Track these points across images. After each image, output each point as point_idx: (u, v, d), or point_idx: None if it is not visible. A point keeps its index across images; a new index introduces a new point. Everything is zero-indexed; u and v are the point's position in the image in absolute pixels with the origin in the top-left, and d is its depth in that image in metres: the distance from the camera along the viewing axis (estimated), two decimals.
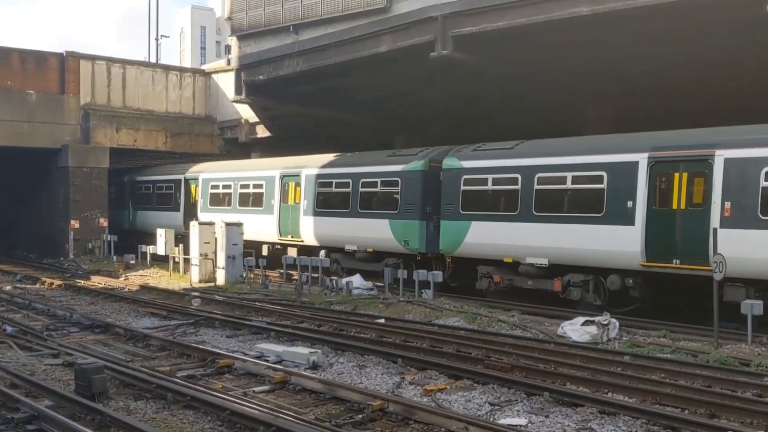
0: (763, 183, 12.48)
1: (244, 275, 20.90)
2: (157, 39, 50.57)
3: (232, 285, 20.06)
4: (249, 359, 10.81)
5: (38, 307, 16.24)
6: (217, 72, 31.56)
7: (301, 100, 25.10)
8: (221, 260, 20.70)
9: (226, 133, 30.78)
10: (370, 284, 18.80)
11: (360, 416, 8.21)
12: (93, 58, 28.64)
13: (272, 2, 22.43)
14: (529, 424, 8.09)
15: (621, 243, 14.06)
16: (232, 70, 26.72)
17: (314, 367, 10.66)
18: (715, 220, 12.78)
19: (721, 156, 12.94)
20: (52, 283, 20.69)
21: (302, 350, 11.22)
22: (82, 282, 21.09)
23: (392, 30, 19.11)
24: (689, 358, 11.08)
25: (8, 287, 20.00)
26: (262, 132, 28.78)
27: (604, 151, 14.80)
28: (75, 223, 26.99)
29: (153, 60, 48.82)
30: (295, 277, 20.08)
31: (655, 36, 16.25)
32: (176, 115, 30.27)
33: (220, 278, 20.63)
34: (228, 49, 40.21)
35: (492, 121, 25.80)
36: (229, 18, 24.46)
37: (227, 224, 21.13)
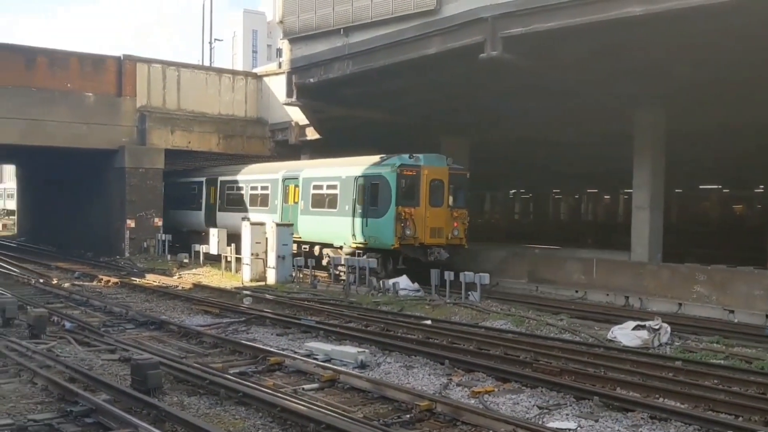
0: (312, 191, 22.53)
1: (294, 275, 21.14)
2: (210, 43, 51.53)
3: (281, 284, 20.31)
4: (298, 357, 10.95)
5: (95, 304, 16.71)
6: (268, 75, 31.95)
7: (350, 102, 25.24)
8: (272, 260, 20.98)
9: (277, 135, 31.12)
10: (416, 285, 18.83)
11: (408, 416, 8.25)
12: (149, 61, 29.20)
13: (323, 5, 22.61)
14: (579, 428, 8.02)
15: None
16: (283, 73, 27.02)
17: (362, 366, 10.75)
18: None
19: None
20: (108, 281, 21.25)
21: (350, 349, 11.31)
22: (138, 280, 21.62)
23: (442, 32, 19.07)
24: (743, 365, 10.84)
25: (67, 284, 20.62)
26: (311, 134, 29.03)
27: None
28: (131, 223, 27.59)
29: (206, 63, 49.73)
30: (343, 278, 20.22)
31: (709, 37, 15.91)
32: (229, 118, 30.72)
33: (271, 277, 20.90)
34: (279, 52, 40.69)
35: (535, 122, 25.59)
36: (281, 21, 24.73)
37: (278, 224, 21.41)
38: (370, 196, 20.78)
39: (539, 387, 9.61)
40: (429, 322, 14.56)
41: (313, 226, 22.80)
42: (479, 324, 14.39)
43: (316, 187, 23.01)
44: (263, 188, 25.78)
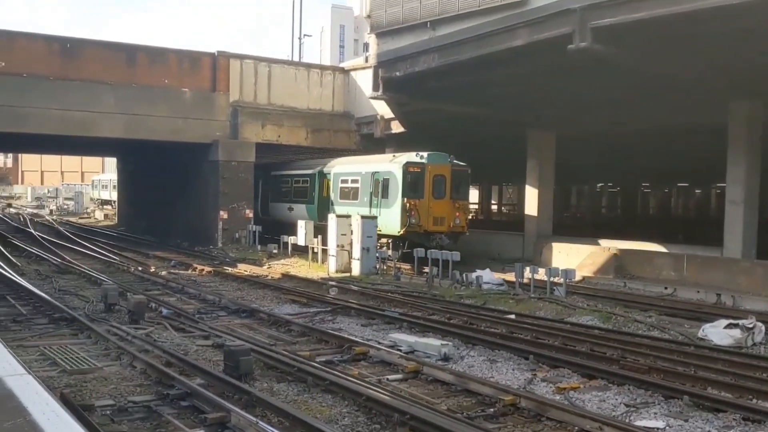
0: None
1: (378, 267, 21.31)
2: (300, 38, 52.39)
3: (366, 276, 20.52)
4: (383, 348, 11.04)
5: (190, 291, 17.33)
6: (355, 69, 32.22)
7: (435, 95, 25.18)
8: (356, 252, 21.22)
9: (363, 129, 31.37)
10: (500, 279, 18.66)
11: (491, 410, 8.20)
12: (241, 57, 29.84)
13: None
14: (667, 428, 7.78)
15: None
16: (369, 67, 27.20)
17: (445, 358, 10.74)
18: None
19: None
20: (202, 270, 22.01)
21: (434, 342, 11.33)
22: (230, 269, 22.27)
23: (529, 23, 18.75)
24: None
25: (164, 272, 21.46)
26: (396, 128, 29.13)
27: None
28: (223, 214, 28.41)
29: (296, 59, 50.61)
30: (426, 270, 20.25)
31: None
32: (317, 112, 31.15)
33: (355, 269, 21.14)
34: (366, 46, 40.95)
35: (623, 114, 24.85)
36: (369, 16, 24.89)
37: (363, 217, 21.63)
38: (382, 189, 23.71)
39: (626, 385, 9.37)
40: (513, 316, 14.41)
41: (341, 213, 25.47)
42: (564, 320, 14.13)
43: (343, 181, 26.28)
44: (304, 181, 29.24)
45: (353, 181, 25.70)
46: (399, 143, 30.24)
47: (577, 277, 18.88)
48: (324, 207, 26.96)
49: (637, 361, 10.48)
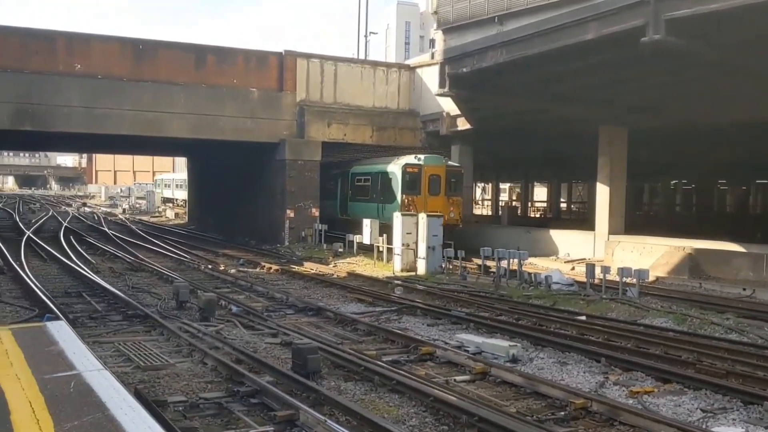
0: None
1: (443, 266, 21.26)
2: (366, 36, 52.62)
3: (431, 275, 20.50)
4: (449, 348, 11.02)
5: (258, 289, 17.67)
6: (421, 66, 32.21)
7: (503, 91, 24.94)
8: (422, 251, 21.21)
9: (428, 127, 31.34)
10: (570, 279, 18.36)
11: (562, 413, 8.08)
12: (308, 56, 30.13)
13: None
14: None
15: None
16: (436, 63, 27.12)
17: (514, 360, 10.64)
18: None
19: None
20: (270, 268, 22.40)
21: (502, 343, 11.23)
22: (296, 268, 22.62)
23: (600, 16, 18.35)
24: None
25: (233, 270, 21.93)
26: (462, 125, 29.00)
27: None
28: (290, 213, 28.83)
29: (362, 57, 50.91)
30: (493, 270, 20.10)
31: None
32: (382, 110, 31.25)
33: (421, 268, 21.14)
34: (432, 43, 40.90)
35: (698, 109, 24.06)
36: (435, 12, 24.82)
37: (428, 215, 21.61)
38: (386, 187, 27.40)
39: (703, 389, 9.10)
40: (584, 317, 14.16)
41: (356, 209, 29.61)
42: (637, 321, 13.81)
43: (358, 180, 29.66)
44: (331, 181, 31.60)
45: (365, 180, 29.15)
46: (465, 140, 30.11)
47: (651, 278, 18.39)
48: (345, 202, 30.38)
49: (714, 365, 10.16)
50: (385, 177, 27.53)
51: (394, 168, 27.09)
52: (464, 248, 22.38)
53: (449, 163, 27.81)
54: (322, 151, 29.59)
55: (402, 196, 26.43)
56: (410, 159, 27.19)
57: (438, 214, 22.85)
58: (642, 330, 12.86)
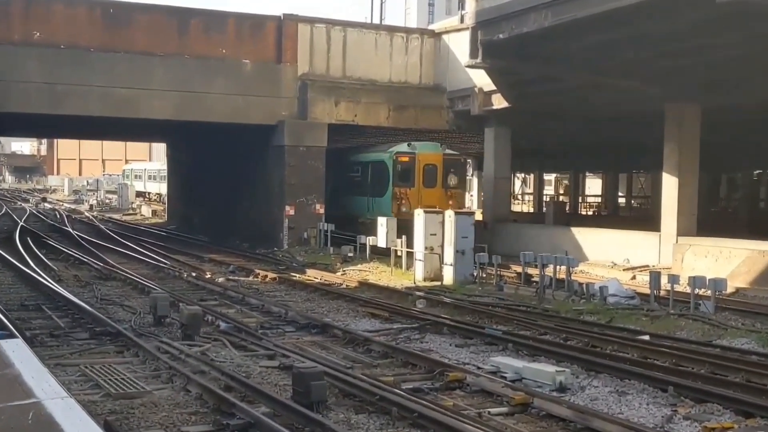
0: None
1: (475, 274, 21.25)
2: None
3: (461, 285, 20.49)
4: (483, 374, 11.00)
5: (252, 302, 17.72)
6: (448, 32, 32.12)
7: (547, 62, 24.84)
8: (449, 255, 21.21)
9: (457, 105, 31.31)
10: (630, 291, 18.28)
11: None
12: (312, 21, 30.12)
13: None
14: None
15: None
16: (466, 28, 27.00)
17: (561, 389, 10.60)
18: None
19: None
20: (265, 276, 22.49)
21: (546, 368, 11.19)
22: (297, 276, 22.73)
23: None
24: None
25: (221, 279, 22.04)
26: (498, 102, 28.94)
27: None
28: (290, 210, 28.94)
29: (376, 21, 50.90)
30: (535, 279, 20.05)
31: None
32: (400, 85, 31.19)
33: (448, 276, 21.15)
34: (461, 3, 40.80)
35: None
36: None
37: (456, 213, 21.59)
38: (376, 179, 29.22)
39: None
40: (647, 337, 14.08)
41: (347, 204, 31.37)
42: (713, 342, 13.72)
43: (349, 171, 31.08)
44: (357, 170, 32.88)
45: (356, 171, 30.95)
46: (501, 121, 30.05)
47: (729, 289, 18.25)
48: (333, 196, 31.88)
49: None
50: (375, 167, 29.37)
51: (384, 157, 28.89)
52: (500, 253, 22.34)
53: (447, 150, 29.76)
54: (329, 135, 29.69)
55: (393, 189, 28.29)
56: (402, 146, 29.10)
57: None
58: (718, 353, 12.77)
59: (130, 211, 59.12)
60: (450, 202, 28.32)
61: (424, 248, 21.70)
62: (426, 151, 29.01)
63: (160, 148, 79.88)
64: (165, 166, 53.40)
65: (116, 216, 53.28)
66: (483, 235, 24.75)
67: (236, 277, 22.82)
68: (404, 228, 24.80)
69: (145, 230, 40.22)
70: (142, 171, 75.67)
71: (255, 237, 31.03)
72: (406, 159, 28.59)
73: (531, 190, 64.24)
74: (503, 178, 31.29)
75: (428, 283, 21.08)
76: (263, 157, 30.61)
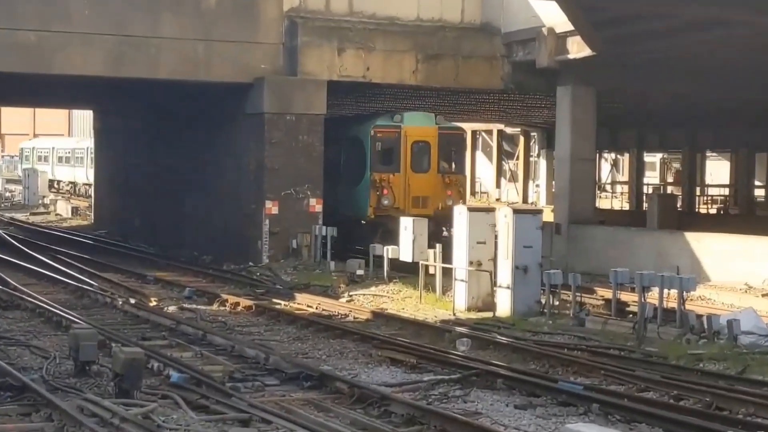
0: None
1: (543, 301, 21.15)
2: None
3: (522, 317, 20.43)
4: None
5: (217, 341, 17.66)
6: None
7: None
8: (505, 274, 21.13)
9: (516, 53, 31.22)
10: None
11: None
12: None
13: None
14: None
15: None
16: None
17: None
18: None
19: None
20: (236, 304, 22.50)
21: None
22: (283, 303, 22.74)
23: None
24: None
25: (172, 308, 22.08)
26: (578, 49, 28.83)
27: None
28: (272, 207, 28.83)
29: None
30: (633, 308, 19.95)
31: None
32: (433, 25, 30.98)
33: (503, 304, 21.09)
34: None
35: None
36: None
37: (515, 211, 21.52)
38: (352, 161, 30.44)
39: None
40: None
41: (334, 197, 31.42)
42: None
43: (331, 149, 31.01)
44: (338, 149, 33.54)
45: (334, 149, 31.16)
46: (579, 77, 29.88)
47: None
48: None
49: None
50: (350, 146, 30.79)
51: (359, 131, 30.39)
52: (580, 269, 22.26)
53: (444, 123, 30.72)
54: (329, 98, 29.71)
55: (371, 175, 29.36)
56: (384, 117, 30.69)
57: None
58: None
59: (41, 209, 59.07)
60: (448, 192, 29.70)
61: (468, 263, 21.66)
62: (415, 123, 30.11)
63: (84, 118, 79.79)
64: (89, 144, 53.44)
65: (21, 216, 53.22)
66: (555, 244, 24.64)
67: (194, 306, 22.79)
68: (387, 233, 26.30)
69: (63, 237, 40.22)
70: (49, 151, 74.49)
71: (221, 247, 31.04)
72: (389, 133, 29.65)
73: (625, 178, 63.86)
74: (585, 159, 31.17)
75: (474, 315, 21.08)
76: (233, 132, 30.61)
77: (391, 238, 26.82)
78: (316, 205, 29.37)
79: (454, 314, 21.15)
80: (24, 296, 22.71)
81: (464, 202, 29.17)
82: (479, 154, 62.83)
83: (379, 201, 29.27)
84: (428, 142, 29.89)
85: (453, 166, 30.82)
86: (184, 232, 34.39)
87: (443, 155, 30.28)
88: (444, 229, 28.03)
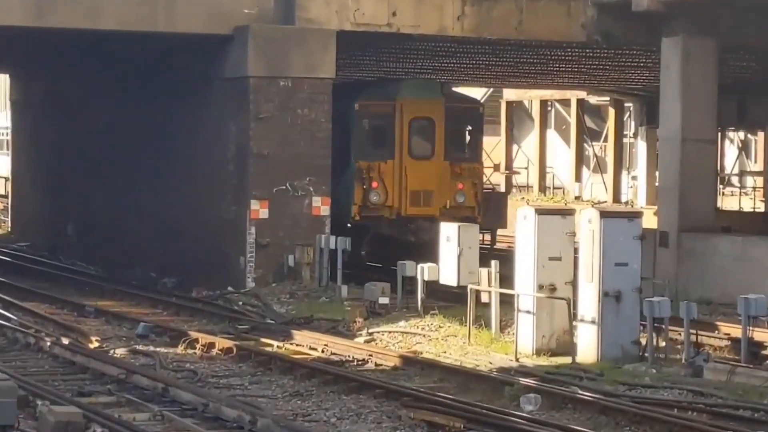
0: None
1: (643, 341, 21.13)
2: None
3: (613, 363, 20.43)
4: None
5: (183, 397, 17.74)
6: None
7: None
8: (588, 303, 21.13)
9: None
10: None
11: None
12: None
13: None
14: None
15: None
16: None
17: None
18: None
19: None
20: (210, 345, 22.55)
21: None
22: (275, 344, 22.86)
23: None
24: None
25: (122, 350, 22.17)
26: None
27: None
28: (259, 208, 28.94)
29: None
30: None
31: None
32: None
33: (586, 345, 21.11)
34: None
35: None
36: None
37: (603, 214, 21.48)
38: (336, 145, 30.69)
39: None
40: None
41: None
42: None
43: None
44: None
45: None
46: (697, 23, 29.84)
47: None
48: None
49: None
50: (337, 124, 30.50)
51: (343, 104, 30.48)
52: (696, 297, 22.22)
53: (454, 93, 31.80)
54: (339, 55, 30.00)
55: (356, 163, 30.07)
56: (373, 88, 32.16)
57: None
58: None
59: None
60: (459, 185, 30.13)
61: (536, 288, 21.67)
62: (414, 93, 30.80)
63: None
64: (2, 121, 53.68)
65: None
66: (660, 261, 24.57)
67: (151, 348, 22.87)
68: (376, 241, 27.47)
69: None
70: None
71: (188, 265, 31.23)
72: (381, 107, 30.39)
73: (759, 167, 63.68)
74: (702, 141, 31.12)
75: (545, 360, 21.16)
76: (205, 104, 30.82)
77: (384, 247, 28.05)
78: (321, 206, 29.45)
79: (517, 359, 21.18)
80: None
81: (479, 200, 30.14)
82: (551, 133, 62.68)
83: (365, 197, 29.95)
84: (432, 119, 30.36)
85: (466, 151, 31.29)
86: (137, 245, 34.51)
87: (452, 136, 30.67)
88: (429, 226, 28.51)
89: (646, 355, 20.97)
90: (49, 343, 22.46)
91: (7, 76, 51.44)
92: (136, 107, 34.71)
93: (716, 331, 22.95)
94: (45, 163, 44.12)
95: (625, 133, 58.81)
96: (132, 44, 30.33)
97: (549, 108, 61.26)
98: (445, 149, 30.21)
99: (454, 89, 31.64)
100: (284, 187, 29.18)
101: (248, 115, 29.09)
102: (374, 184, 29.08)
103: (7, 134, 54.44)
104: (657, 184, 37.58)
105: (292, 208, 29.25)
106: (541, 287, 21.64)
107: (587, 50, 33.73)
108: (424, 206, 29.50)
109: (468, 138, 31.24)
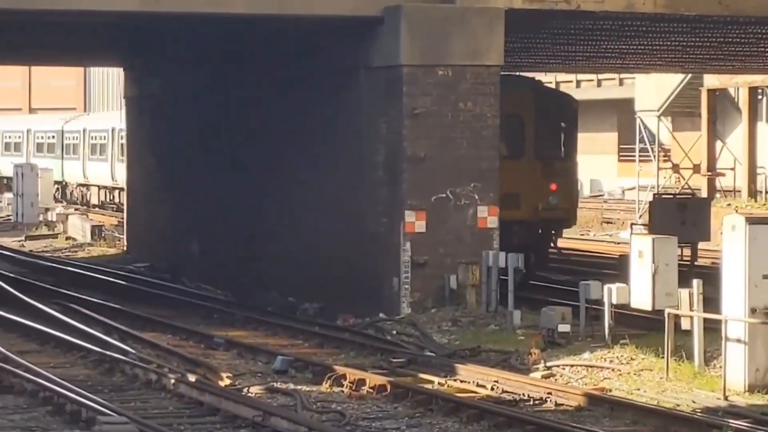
0: None
1: None
2: None
3: None
4: None
5: None
6: None
7: None
8: None
9: None
10: None
11: None
12: None
13: None
14: None
15: None
16: None
17: None
18: None
19: None
20: (360, 382, 22.44)
21: None
22: (436, 380, 22.75)
23: None
24: None
25: (257, 388, 22.14)
26: None
27: None
28: (414, 220, 28.85)
29: None
30: None
31: None
32: None
33: None
34: None
35: None
36: None
37: None
38: None
39: None
40: None
41: None
42: None
43: None
44: None
45: None
46: None
47: None
48: None
49: None
50: None
51: None
52: None
53: (542, 85, 32.98)
54: (507, 38, 29.86)
55: None
56: None
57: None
58: None
59: (43, 230, 60.04)
60: (551, 187, 30.88)
61: (748, 312, 21.22)
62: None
63: (105, 83, 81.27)
64: (116, 123, 54.21)
65: (11, 241, 54.24)
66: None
67: (292, 386, 22.86)
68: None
69: (79, 274, 41.01)
70: (57, 134, 75.91)
71: (332, 288, 31.31)
72: None
73: None
74: None
75: (759, 398, 20.73)
76: (348, 99, 30.89)
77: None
78: (488, 217, 29.35)
79: (726, 398, 20.76)
80: (20, 371, 23.01)
81: (575, 201, 31.16)
82: (762, 127, 61.85)
83: None
84: (519, 115, 30.98)
85: (561, 149, 31.96)
86: (272, 266, 34.58)
87: (543, 133, 31.41)
88: (553, 244, 29.79)
89: None
90: (173, 381, 22.51)
91: (122, 70, 51.84)
92: (268, 106, 34.79)
93: None
94: (163, 173, 44.49)
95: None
96: (265, 31, 30.39)
97: (759, 96, 60.57)
98: (535, 148, 31.27)
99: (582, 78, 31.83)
100: (444, 196, 29.10)
101: (401, 111, 29.06)
102: None
103: (120, 138, 54.80)
104: None
105: (454, 220, 29.18)
106: (754, 311, 21.20)
107: None
108: (512, 209, 30.76)
109: (560, 134, 32.12)
